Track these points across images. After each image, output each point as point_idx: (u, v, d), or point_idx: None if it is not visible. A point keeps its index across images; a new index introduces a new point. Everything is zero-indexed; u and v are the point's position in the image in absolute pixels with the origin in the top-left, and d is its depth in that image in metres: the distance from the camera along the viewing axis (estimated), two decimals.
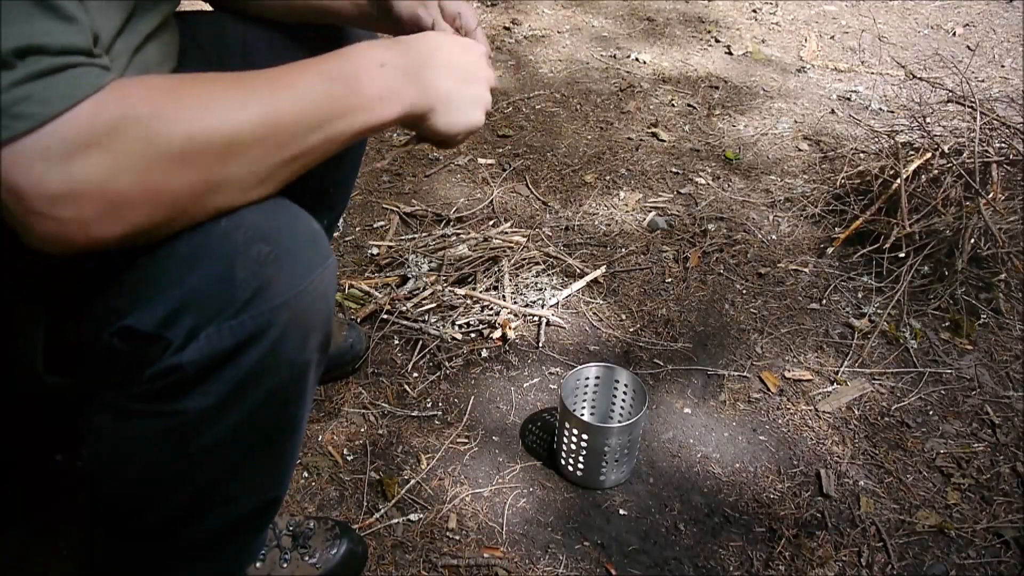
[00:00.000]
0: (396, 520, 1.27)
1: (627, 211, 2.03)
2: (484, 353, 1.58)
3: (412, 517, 1.28)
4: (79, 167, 0.61)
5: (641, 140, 2.35)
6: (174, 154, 0.65)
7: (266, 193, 0.74)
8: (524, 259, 1.81)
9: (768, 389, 1.54)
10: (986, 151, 1.85)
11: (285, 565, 1.11)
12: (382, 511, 1.28)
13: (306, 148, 0.74)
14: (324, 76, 0.75)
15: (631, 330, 1.66)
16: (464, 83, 0.86)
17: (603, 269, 1.81)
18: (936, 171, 1.87)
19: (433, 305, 1.66)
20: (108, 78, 0.64)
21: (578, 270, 1.80)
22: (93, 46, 0.64)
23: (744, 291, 1.78)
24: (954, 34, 3.14)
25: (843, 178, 2.07)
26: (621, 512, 1.31)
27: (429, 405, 1.48)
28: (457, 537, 1.25)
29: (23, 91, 0.59)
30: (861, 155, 2.16)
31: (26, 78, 0.59)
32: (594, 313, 1.70)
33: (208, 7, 1.16)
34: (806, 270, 1.84)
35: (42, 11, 0.60)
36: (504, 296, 1.69)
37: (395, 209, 1.99)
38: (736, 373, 1.57)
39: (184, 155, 0.66)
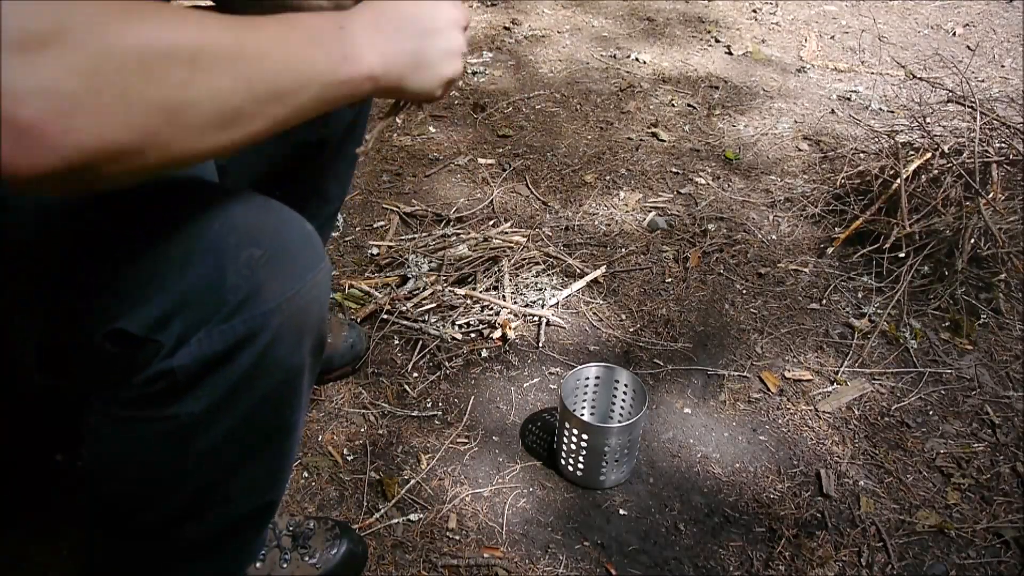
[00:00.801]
0: (396, 520, 1.27)
1: (627, 211, 2.03)
2: (484, 353, 1.58)
3: (412, 517, 1.28)
4: (47, 49, 0.51)
5: (641, 140, 2.35)
6: (136, 58, 0.56)
7: (231, 141, 0.65)
8: (524, 259, 1.81)
9: (768, 389, 1.54)
10: (986, 151, 1.85)
11: (285, 565, 1.11)
12: (382, 511, 1.28)
13: (273, 90, 0.66)
14: (290, 25, 0.69)
15: (631, 330, 1.66)
16: (430, 36, 0.79)
17: (603, 269, 1.81)
18: (936, 171, 1.87)
19: (433, 305, 1.66)
20: None
21: (578, 270, 1.80)
22: None
23: (744, 291, 1.78)
24: (954, 34, 3.14)
25: (843, 178, 2.07)
26: (621, 512, 1.31)
27: (429, 405, 1.48)
28: (457, 537, 1.25)
29: None
30: (861, 155, 2.16)
31: None
32: (594, 313, 1.70)
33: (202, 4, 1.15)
34: (806, 270, 1.84)
35: None
36: (504, 296, 1.69)
37: (395, 209, 1.99)
38: (736, 373, 1.57)
39: (146, 62, 0.56)
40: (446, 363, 1.55)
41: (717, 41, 3.01)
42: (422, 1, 0.79)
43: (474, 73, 2.68)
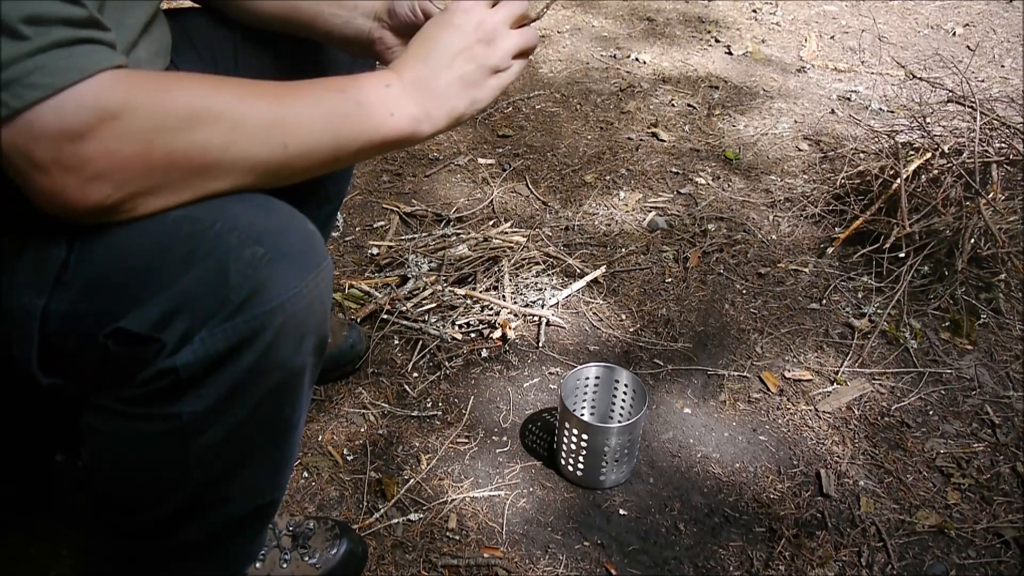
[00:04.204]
0: (396, 520, 1.27)
1: (627, 211, 2.03)
2: (484, 353, 1.58)
3: (412, 517, 1.28)
4: (89, 136, 0.64)
5: (641, 140, 2.35)
6: (179, 133, 0.68)
7: (262, 188, 0.75)
8: (524, 259, 1.81)
9: (768, 389, 1.54)
10: (986, 151, 1.85)
11: (285, 565, 1.11)
12: (382, 511, 1.28)
13: (310, 151, 0.76)
14: (332, 88, 0.78)
15: (631, 330, 1.66)
16: (465, 58, 0.85)
17: (603, 269, 1.81)
18: (936, 171, 1.87)
19: (433, 305, 1.66)
20: (121, 59, 0.66)
21: (578, 270, 1.80)
22: (99, 19, 0.66)
23: (744, 291, 1.78)
24: (954, 34, 3.14)
25: (843, 178, 2.07)
26: (621, 512, 1.31)
27: (429, 405, 1.48)
28: (457, 537, 1.25)
29: (37, 61, 0.61)
30: (861, 155, 2.16)
31: (39, 49, 0.61)
32: (594, 313, 1.70)
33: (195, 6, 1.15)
34: (806, 270, 1.84)
35: None
36: (504, 296, 1.69)
37: (395, 209, 1.99)
38: (736, 373, 1.57)
39: (189, 135, 0.68)
40: (446, 363, 1.55)
41: (717, 41, 3.01)
42: (449, 21, 0.85)
43: None
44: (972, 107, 1.91)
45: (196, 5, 1.14)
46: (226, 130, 0.70)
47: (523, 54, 0.90)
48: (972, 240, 1.71)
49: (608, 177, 2.16)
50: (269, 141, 0.73)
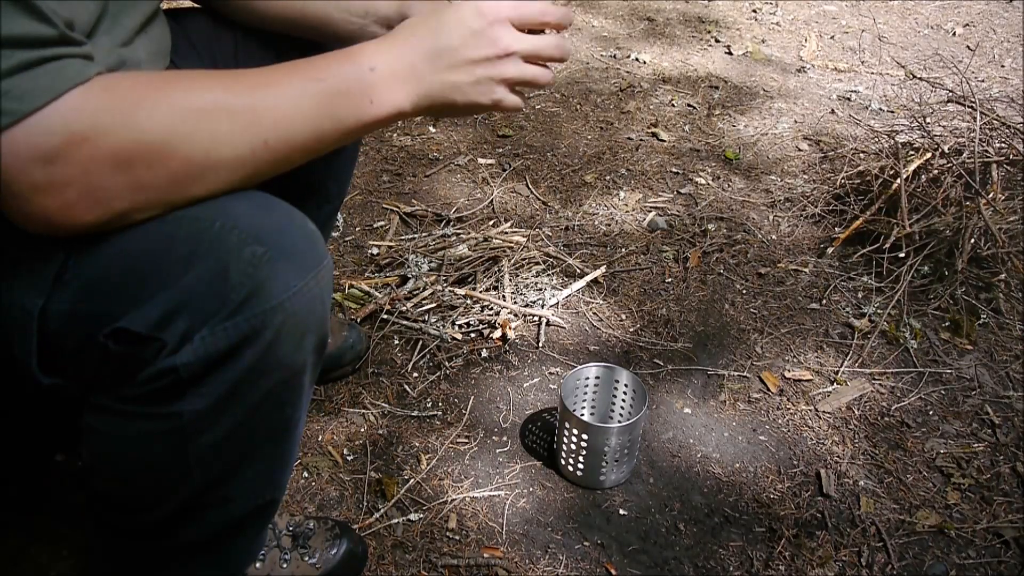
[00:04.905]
0: (396, 520, 1.27)
1: (627, 211, 2.03)
2: (484, 353, 1.58)
3: (412, 517, 1.28)
4: (62, 159, 0.63)
5: (641, 140, 2.35)
6: (155, 146, 0.67)
7: (250, 184, 0.75)
8: (524, 259, 1.81)
9: (768, 389, 1.54)
10: (986, 151, 1.85)
11: (285, 565, 1.11)
12: (382, 511, 1.28)
13: (292, 144, 0.75)
14: (310, 76, 0.76)
15: (631, 330, 1.66)
16: (466, 70, 0.81)
17: (603, 269, 1.81)
18: (936, 171, 1.87)
19: (433, 305, 1.66)
20: (93, 70, 0.65)
21: (578, 270, 1.80)
22: (70, 34, 0.65)
23: (744, 291, 1.78)
24: (954, 34, 3.14)
25: (843, 178, 2.07)
26: (621, 512, 1.31)
27: (429, 405, 1.48)
28: (457, 537, 1.25)
29: (3, 86, 0.60)
30: (861, 155, 2.16)
31: (6, 72, 0.60)
32: (594, 313, 1.70)
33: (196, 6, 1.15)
34: (806, 270, 1.84)
35: (11, 4, 0.61)
36: (504, 296, 1.69)
37: (395, 209, 1.99)
38: (736, 373, 1.57)
39: (165, 147, 0.68)
40: (446, 363, 1.55)
41: (717, 41, 3.01)
42: (468, 23, 0.80)
43: None
44: (972, 107, 1.91)
45: (196, 5, 1.14)
46: (205, 136, 0.69)
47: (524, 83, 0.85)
48: (972, 240, 1.71)
49: (608, 177, 2.16)
50: (249, 140, 0.72)
